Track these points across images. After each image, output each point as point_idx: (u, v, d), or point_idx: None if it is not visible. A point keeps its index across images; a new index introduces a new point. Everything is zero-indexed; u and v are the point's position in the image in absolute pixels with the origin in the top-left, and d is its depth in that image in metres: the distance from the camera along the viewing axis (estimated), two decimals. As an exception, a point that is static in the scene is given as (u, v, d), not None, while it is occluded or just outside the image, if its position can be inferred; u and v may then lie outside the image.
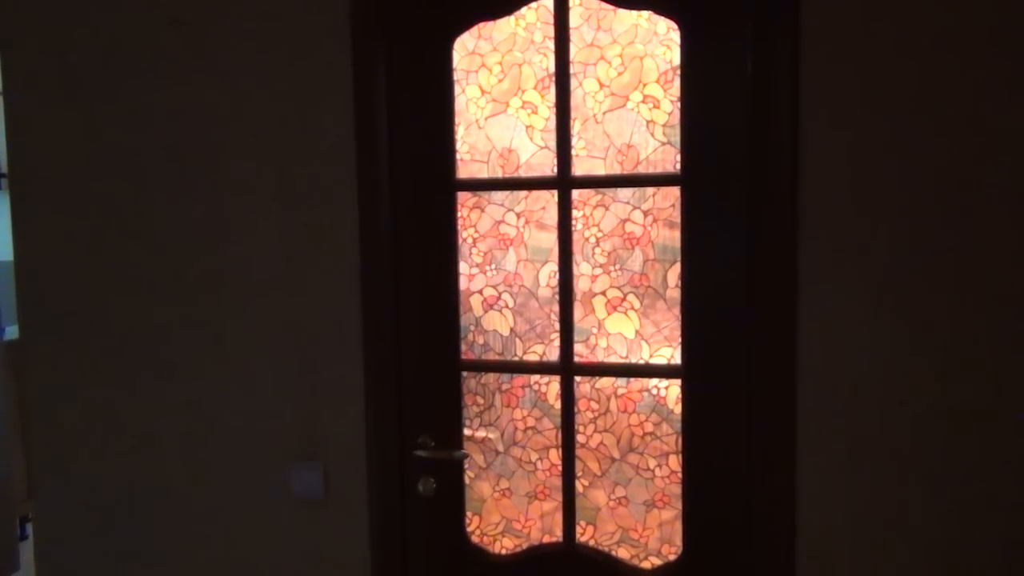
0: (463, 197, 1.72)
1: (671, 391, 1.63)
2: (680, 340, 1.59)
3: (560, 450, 1.69)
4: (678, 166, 1.57)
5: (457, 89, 1.70)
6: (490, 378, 1.74)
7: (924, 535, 1.44)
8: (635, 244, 1.63)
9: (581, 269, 1.66)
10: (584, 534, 1.70)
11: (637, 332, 1.64)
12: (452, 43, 1.68)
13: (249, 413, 1.80)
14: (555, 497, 1.71)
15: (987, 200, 1.38)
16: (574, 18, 1.62)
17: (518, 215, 1.70)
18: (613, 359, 1.66)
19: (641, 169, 1.61)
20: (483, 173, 1.71)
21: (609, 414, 1.67)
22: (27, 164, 1.89)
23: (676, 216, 1.59)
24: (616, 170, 1.63)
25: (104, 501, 1.91)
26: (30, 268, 1.91)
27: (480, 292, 1.74)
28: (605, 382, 1.67)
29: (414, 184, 1.70)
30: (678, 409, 1.61)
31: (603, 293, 1.65)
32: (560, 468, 1.69)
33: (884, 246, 1.42)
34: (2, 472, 3.13)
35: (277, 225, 1.74)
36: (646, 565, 1.67)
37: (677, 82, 1.56)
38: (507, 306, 1.72)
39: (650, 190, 1.61)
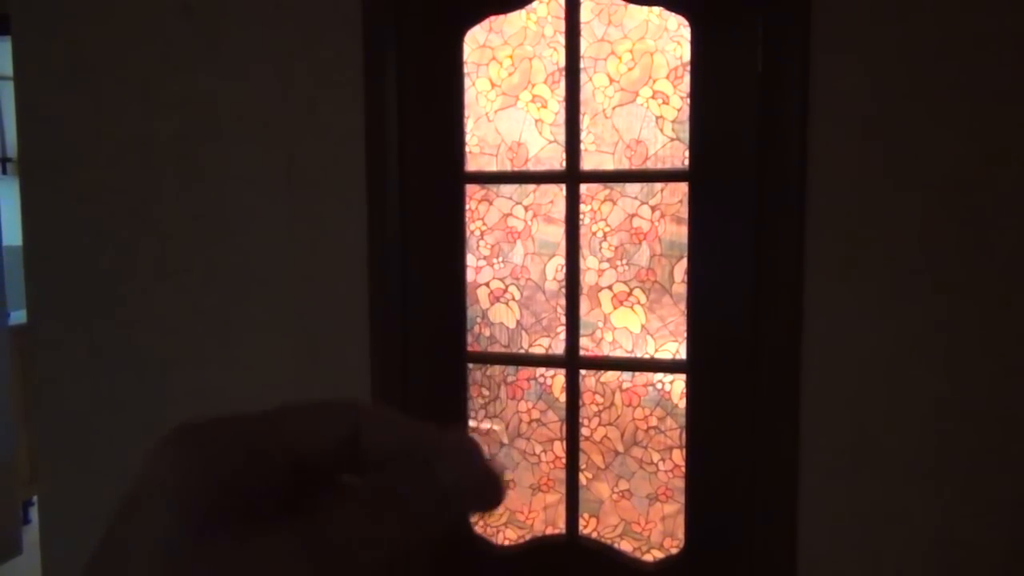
0: (471, 189, 1.72)
1: (676, 386, 1.64)
2: (686, 335, 1.60)
3: (564, 443, 1.70)
4: (686, 162, 1.58)
5: (467, 82, 1.70)
6: (496, 370, 1.75)
7: (925, 533, 1.46)
8: (642, 239, 1.63)
9: (588, 263, 1.66)
10: (587, 526, 1.72)
11: (643, 327, 1.65)
12: (463, 36, 1.68)
13: (255, 400, 1.78)
14: (559, 489, 1.72)
15: (991, 200, 1.38)
16: (585, 13, 1.62)
17: (526, 208, 1.70)
18: (618, 353, 1.67)
19: (649, 164, 1.62)
20: (492, 166, 1.72)
21: (614, 408, 1.68)
22: (37, 150, 1.90)
23: (683, 212, 1.59)
24: (624, 165, 1.63)
25: (109, 487, 1.91)
26: (38, 253, 1.92)
27: (487, 284, 1.74)
28: (610, 376, 1.68)
29: (423, 176, 1.71)
30: (682, 404, 1.62)
31: (609, 287, 1.66)
32: (564, 461, 1.70)
33: (890, 244, 1.43)
34: (6, 456, 3.14)
35: (285, 214, 1.75)
36: (648, 558, 1.69)
37: (687, 78, 1.56)
38: (514, 299, 1.73)
39: (658, 185, 1.62)
